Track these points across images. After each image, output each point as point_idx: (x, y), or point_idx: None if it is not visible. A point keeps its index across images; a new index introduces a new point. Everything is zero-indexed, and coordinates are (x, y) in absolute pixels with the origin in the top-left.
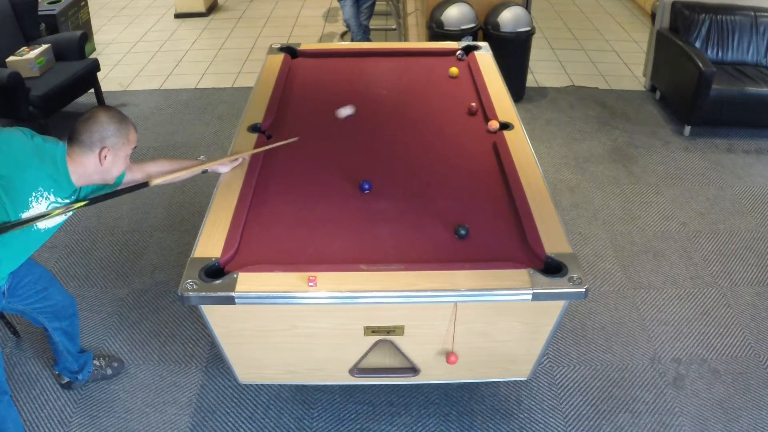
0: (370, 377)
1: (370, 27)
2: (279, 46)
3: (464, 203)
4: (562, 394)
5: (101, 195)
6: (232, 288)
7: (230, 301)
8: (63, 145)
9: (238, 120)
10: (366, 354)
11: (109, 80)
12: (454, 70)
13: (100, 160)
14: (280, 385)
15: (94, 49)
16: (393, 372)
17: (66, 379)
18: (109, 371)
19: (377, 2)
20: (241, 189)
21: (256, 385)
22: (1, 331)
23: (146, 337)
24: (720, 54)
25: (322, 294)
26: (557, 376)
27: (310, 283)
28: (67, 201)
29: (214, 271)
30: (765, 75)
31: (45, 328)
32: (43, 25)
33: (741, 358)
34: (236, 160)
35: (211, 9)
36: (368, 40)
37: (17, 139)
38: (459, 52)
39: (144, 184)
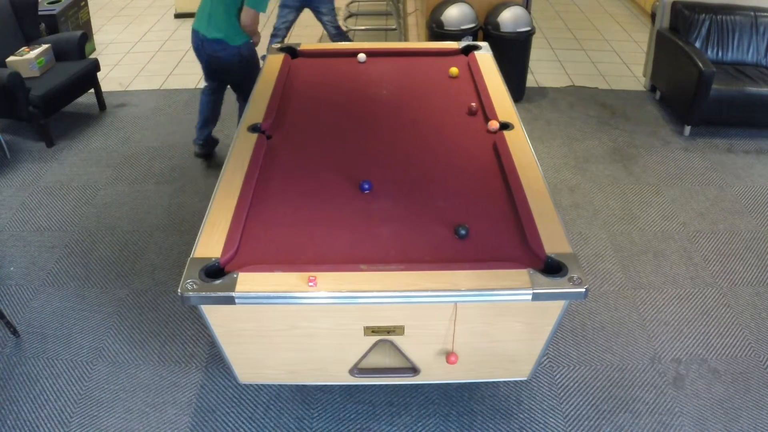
0: (370, 377)
1: (370, 27)
2: (279, 46)
3: (464, 203)
4: (562, 394)
5: None
6: (232, 288)
7: (230, 301)
8: None
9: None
10: (366, 354)
11: (109, 80)
12: (454, 70)
13: None
14: (280, 385)
15: (94, 49)
16: (393, 372)
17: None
18: None
19: (378, 2)
20: (241, 189)
21: (256, 385)
22: (1, 331)
23: (146, 337)
24: (720, 54)
25: (322, 294)
26: (557, 376)
27: (310, 283)
28: None
29: (214, 271)
30: (765, 75)
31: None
32: (43, 25)
33: (741, 358)
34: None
35: None
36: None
37: None
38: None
39: None
